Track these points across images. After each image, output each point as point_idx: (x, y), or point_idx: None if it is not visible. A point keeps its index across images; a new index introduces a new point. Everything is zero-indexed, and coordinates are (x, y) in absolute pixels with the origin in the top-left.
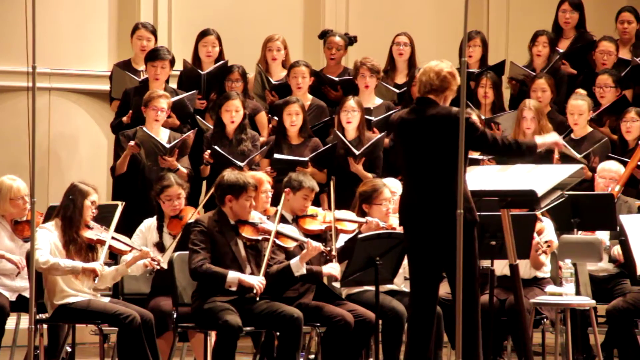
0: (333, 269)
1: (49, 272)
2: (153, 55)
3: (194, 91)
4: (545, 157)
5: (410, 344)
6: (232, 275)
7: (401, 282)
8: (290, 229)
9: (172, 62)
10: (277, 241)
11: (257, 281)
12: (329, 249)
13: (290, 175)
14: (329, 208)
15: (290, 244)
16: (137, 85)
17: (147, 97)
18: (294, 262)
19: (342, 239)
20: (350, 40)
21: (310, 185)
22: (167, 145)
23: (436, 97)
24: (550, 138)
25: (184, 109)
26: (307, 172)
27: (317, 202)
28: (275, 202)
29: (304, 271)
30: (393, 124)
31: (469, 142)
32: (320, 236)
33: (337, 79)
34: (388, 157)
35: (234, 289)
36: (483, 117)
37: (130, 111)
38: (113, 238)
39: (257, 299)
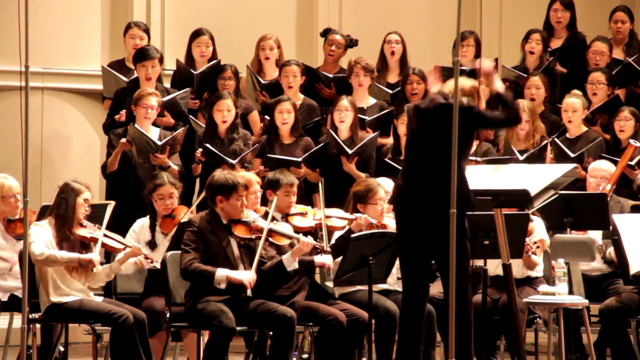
0: (325, 259)
1: (46, 264)
2: (142, 56)
3: (187, 89)
4: (538, 156)
5: (400, 341)
6: (221, 272)
7: (394, 282)
8: (284, 227)
9: (161, 60)
10: (271, 239)
11: (247, 276)
12: (323, 245)
13: (267, 176)
14: (320, 207)
15: (284, 242)
16: (129, 85)
17: (137, 96)
18: (285, 257)
19: (337, 236)
20: (351, 43)
21: (289, 181)
22: (159, 143)
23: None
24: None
25: (176, 107)
26: (301, 172)
27: (310, 202)
28: (266, 201)
29: (296, 266)
30: (408, 112)
31: (470, 121)
32: (311, 233)
33: (330, 75)
34: (379, 157)
35: (223, 286)
36: None
37: (125, 110)
38: (105, 236)
39: (250, 294)
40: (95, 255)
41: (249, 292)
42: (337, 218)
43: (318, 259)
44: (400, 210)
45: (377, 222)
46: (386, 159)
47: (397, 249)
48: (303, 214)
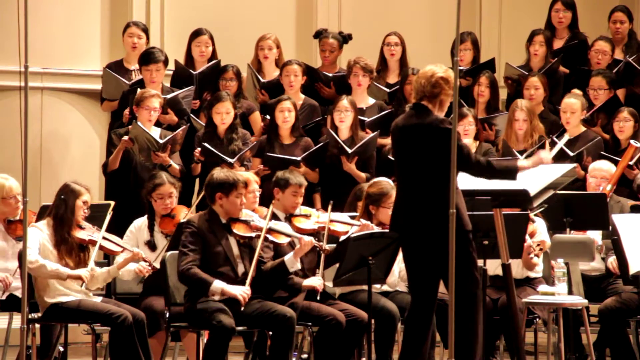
0: (314, 281)
1: (36, 272)
2: (147, 59)
3: (191, 87)
4: None
5: (405, 344)
6: (216, 284)
7: (394, 283)
8: (282, 226)
9: (166, 63)
10: (270, 237)
11: (241, 291)
12: (322, 243)
13: (277, 174)
14: (322, 208)
15: (283, 240)
16: (134, 87)
17: (140, 97)
18: (288, 257)
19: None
20: (345, 39)
21: (298, 182)
22: (161, 141)
23: (429, 103)
24: (534, 159)
25: (177, 106)
26: (301, 171)
27: (310, 202)
28: (264, 201)
29: (299, 266)
30: (392, 129)
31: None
32: (313, 235)
33: (330, 74)
34: (379, 157)
35: (216, 298)
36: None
37: (128, 108)
38: (104, 238)
39: (242, 309)
40: (84, 271)
41: (242, 307)
42: (341, 223)
43: (307, 282)
44: (398, 227)
45: (381, 229)
46: (389, 156)
47: (406, 265)
48: (307, 216)
